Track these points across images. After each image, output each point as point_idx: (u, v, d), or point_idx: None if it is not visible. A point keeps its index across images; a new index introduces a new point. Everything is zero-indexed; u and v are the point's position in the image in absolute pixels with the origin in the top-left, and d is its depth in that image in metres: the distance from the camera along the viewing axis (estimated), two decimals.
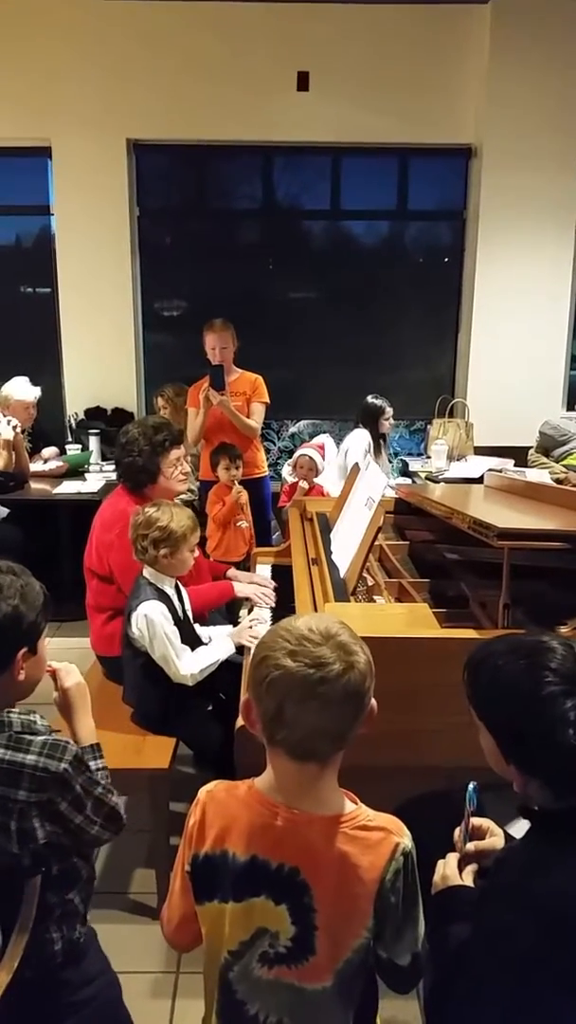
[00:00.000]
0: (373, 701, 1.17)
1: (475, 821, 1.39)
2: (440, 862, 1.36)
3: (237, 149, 5.47)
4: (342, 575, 2.39)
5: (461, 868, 1.35)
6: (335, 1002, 1.18)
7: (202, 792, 1.26)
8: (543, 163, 5.24)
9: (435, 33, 5.19)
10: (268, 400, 4.31)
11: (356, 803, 1.22)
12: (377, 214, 5.76)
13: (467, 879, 1.32)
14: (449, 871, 1.34)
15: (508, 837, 1.40)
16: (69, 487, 4.53)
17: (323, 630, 1.14)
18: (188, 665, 2.44)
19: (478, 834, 1.39)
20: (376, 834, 1.17)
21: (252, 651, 1.19)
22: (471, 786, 1.38)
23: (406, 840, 1.18)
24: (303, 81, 5.21)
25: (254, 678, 1.15)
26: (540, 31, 5.05)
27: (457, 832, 1.40)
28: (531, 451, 5.19)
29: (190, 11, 5.11)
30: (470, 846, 1.37)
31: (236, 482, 3.95)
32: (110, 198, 5.33)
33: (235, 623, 2.79)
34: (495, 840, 1.38)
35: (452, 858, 1.36)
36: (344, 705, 1.12)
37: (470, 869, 1.34)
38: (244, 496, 3.98)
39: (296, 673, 1.10)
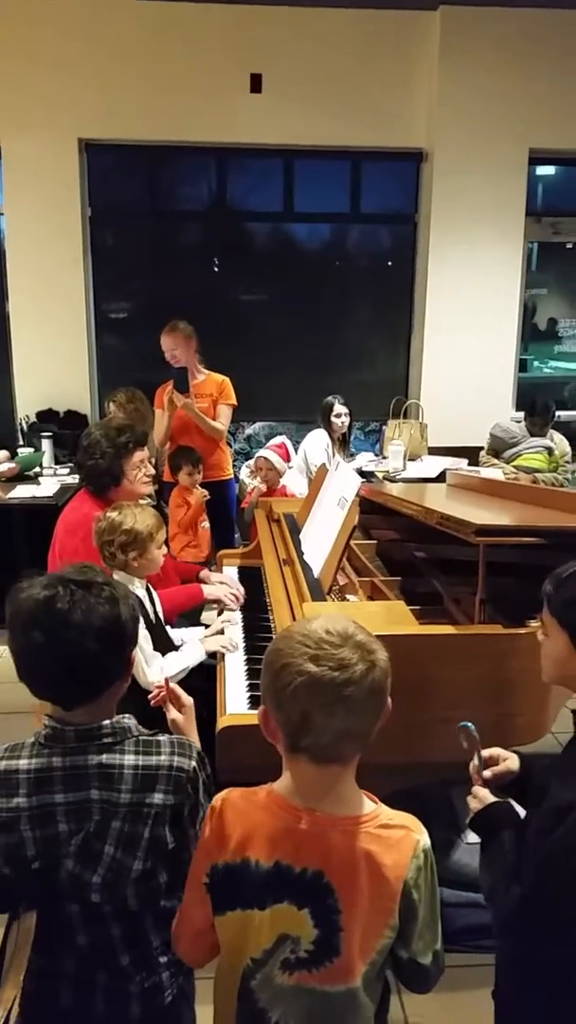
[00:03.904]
0: (388, 699, 1.16)
1: (486, 752, 1.49)
2: (469, 796, 1.46)
3: (190, 150, 5.46)
4: (316, 575, 2.38)
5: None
6: (357, 1004, 1.17)
7: (217, 800, 1.24)
8: (493, 167, 5.34)
9: (386, 38, 5.25)
10: (235, 402, 4.29)
11: (376, 802, 1.21)
12: (330, 217, 5.80)
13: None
14: (482, 793, 1.44)
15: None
16: (23, 491, 4.45)
17: (340, 631, 1.13)
18: (156, 673, 2.40)
19: (492, 762, 1.49)
20: (397, 832, 1.17)
21: (265, 659, 1.17)
22: (470, 724, 1.46)
23: (425, 837, 1.18)
24: (256, 83, 5.21)
25: (274, 686, 1.13)
26: (488, 37, 5.15)
27: (472, 765, 1.48)
28: (482, 452, 5.27)
29: (143, 11, 5.07)
30: (487, 773, 1.47)
31: (197, 485, 3.94)
32: (61, 198, 5.26)
33: (203, 625, 2.76)
34: (509, 763, 1.49)
35: (478, 788, 1.46)
36: (369, 705, 1.12)
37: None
38: (206, 497, 3.97)
39: (322, 677, 1.09)
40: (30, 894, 1.30)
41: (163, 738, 1.34)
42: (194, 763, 1.32)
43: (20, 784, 1.27)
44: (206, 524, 3.98)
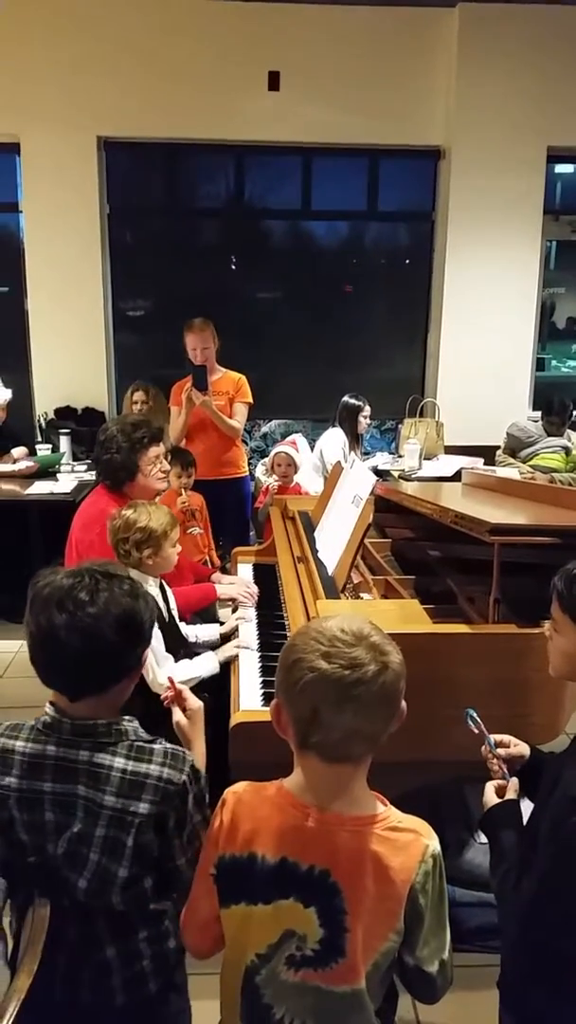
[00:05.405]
0: (403, 702, 1.16)
1: (495, 737, 1.53)
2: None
3: (208, 148, 5.47)
4: (330, 573, 2.38)
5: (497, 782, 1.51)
6: (361, 1005, 1.17)
7: (228, 793, 1.24)
8: (511, 165, 5.31)
9: (404, 35, 5.24)
10: (251, 400, 4.29)
11: (386, 804, 1.21)
12: (347, 215, 5.80)
13: (510, 795, 1.48)
14: (489, 796, 1.48)
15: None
16: (41, 487, 4.47)
17: (356, 631, 1.13)
18: (165, 675, 2.38)
19: (502, 746, 1.54)
20: (406, 835, 1.16)
21: (281, 654, 1.17)
22: (471, 711, 1.55)
23: (435, 842, 1.18)
24: (274, 81, 5.21)
25: (285, 681, 1.13)
26: (507, 34, 5.12)
27: (484, 749, 1.54)
28: (498, 452, 5.25)
29: (162, 9, 5.08)
30: (500, 751, 1.51)
31: (186, 490, 3.79)
32: (80, 196, 5.28)
33: (218, 622, 2.77)
34: (520, 748, 1.55)
35: (489, 785, 1.50)
36: (379, 706, 1.11)
37: (513, 785, 1.49)
38: (198, 501, 3.85)
39: (331, 675, 1.09)
40: (25, 880, 1.32)
41: (157, 747, 1.33)
42: (184, 777, 1.31)
43: (14, 765, 1.30)
44: (195, 530, 3.79)
